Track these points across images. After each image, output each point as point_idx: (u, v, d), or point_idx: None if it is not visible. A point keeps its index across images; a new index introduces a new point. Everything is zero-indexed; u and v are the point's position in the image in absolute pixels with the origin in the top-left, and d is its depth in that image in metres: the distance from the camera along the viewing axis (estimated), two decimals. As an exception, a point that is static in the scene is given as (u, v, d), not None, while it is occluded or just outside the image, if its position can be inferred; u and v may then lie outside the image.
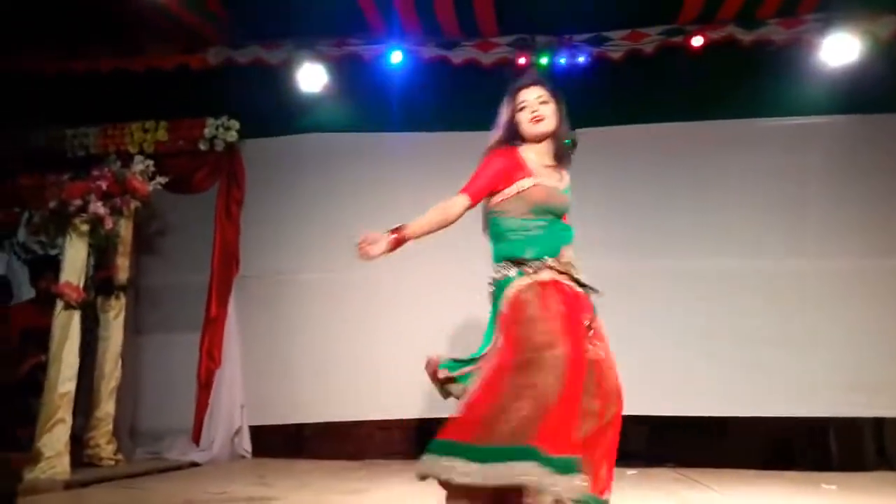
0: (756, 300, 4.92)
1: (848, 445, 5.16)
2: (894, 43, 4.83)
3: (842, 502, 3.31)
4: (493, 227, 2.64)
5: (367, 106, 5.39)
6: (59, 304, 4.32)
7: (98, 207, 4.54)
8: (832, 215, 4.96)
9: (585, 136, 5.46)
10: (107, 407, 4.71)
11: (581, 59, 5.19)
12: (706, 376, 4.84)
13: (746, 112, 5.10)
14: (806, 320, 4.86)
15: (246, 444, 5.20)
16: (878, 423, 5.07)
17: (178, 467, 4.73)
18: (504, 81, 5.08)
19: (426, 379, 5.09)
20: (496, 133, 2.69)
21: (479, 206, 2.64)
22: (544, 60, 5.20)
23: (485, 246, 2.74)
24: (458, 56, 5.32)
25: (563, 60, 5.18)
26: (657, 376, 4.80)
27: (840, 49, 4.83)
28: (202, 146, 5.43)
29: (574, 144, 5.71)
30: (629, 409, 2.48)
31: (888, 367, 4.70)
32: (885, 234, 4.91)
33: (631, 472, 4.46)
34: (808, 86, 4.90)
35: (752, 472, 4.47)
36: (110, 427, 4.71)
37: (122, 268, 4.90)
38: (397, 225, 2.47)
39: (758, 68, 5.02)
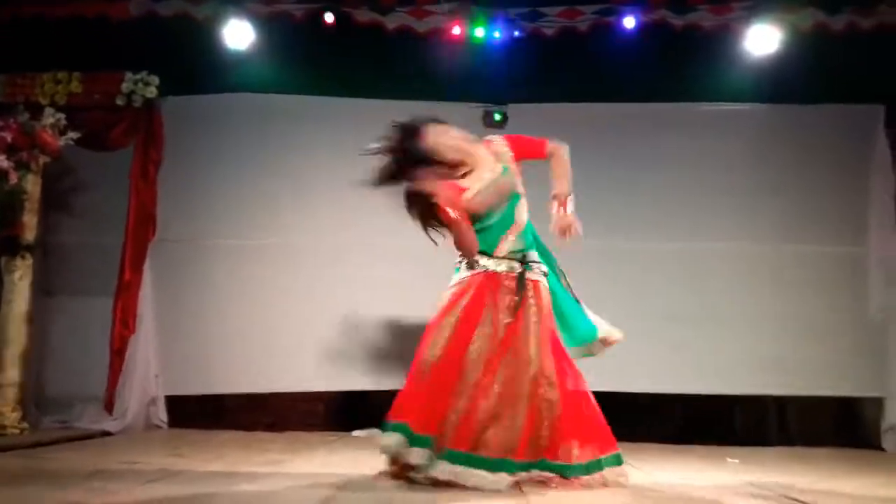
0: (666, 281, 5.08)
1: (752, 421, 5.45)
2: (814, 35, 5.01)
3: (744, 474, 3.49)
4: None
5: (296, 67, 5.22)
6: (-42, 264, 4.08)
7: (2, 161, 4.31)
8: (747, 201, 5.14)
9: (515, 111, 5.48)
10: (11, 373, 4.50)
11: (516, 34, 5.18)
12: (620, 354, 4.98)
13: (672, 96, 5.20)
14: (715, 302, 5.05)
15: (162, 414, 5.06)
16: (781, 401, 5.38)
17: (89, 436, 4.55)
18: (437, 52, 5.09)
19: (349, 350, 5.06)
20: None
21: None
22: (479, 33, 5.16)
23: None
24: (392, 22, 5.22)
25: (497, 34, 5.16)
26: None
27: (763, 38, 4.96)
28: (119, 101, 5.16)
29: (505, 118, 5.69)
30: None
31: (791, 348, 4.95)
32: (795, 221, 5.13)
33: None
34: (731, 73, 5.03)
35: (663, 447, 4.65)
36: (15, 394, 4.51)
37: (30, 226, 4.65)
38: None
39: (686, 53, 5.11)
